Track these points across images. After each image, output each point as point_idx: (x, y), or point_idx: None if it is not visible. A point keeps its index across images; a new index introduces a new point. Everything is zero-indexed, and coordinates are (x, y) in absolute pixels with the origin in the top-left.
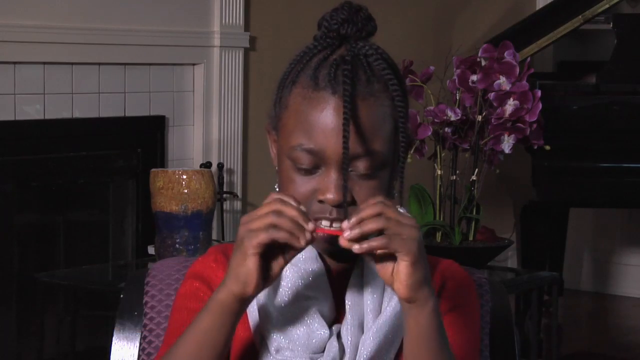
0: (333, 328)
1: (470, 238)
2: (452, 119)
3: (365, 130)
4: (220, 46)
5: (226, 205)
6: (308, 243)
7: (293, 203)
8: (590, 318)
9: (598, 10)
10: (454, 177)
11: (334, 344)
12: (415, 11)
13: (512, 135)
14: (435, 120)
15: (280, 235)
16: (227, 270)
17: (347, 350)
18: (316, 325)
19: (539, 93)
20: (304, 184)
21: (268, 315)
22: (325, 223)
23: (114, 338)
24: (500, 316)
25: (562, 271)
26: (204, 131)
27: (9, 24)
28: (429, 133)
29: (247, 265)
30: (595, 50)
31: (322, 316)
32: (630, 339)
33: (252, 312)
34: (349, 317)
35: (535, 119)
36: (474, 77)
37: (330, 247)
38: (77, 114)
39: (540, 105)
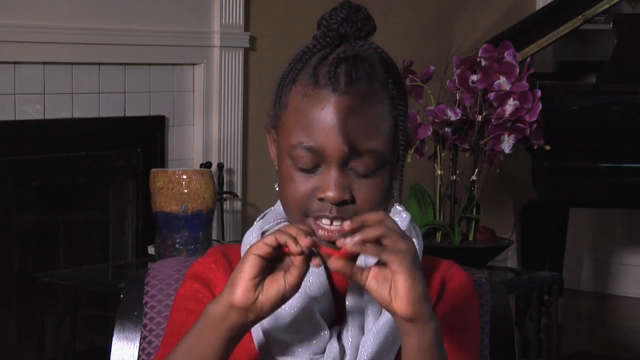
0: (333, 329)
1: (470, 238)
2: (452, 119)
3: (365, 128)
4: (220, 46)
5: (226, 205)
6: (303, 253)
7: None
8: (590, 318)
9: (598, 10)
10: (454, 177)
11: (335, 346)
12: (415, 11)
13: (512, 135)
14: (435, 120)
15: (282, 238)
16: (226, 271)
17: (348, 352)
18: (317, 326)
19: (539, 93)
20: (304, 183)
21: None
22: (325, 222)
23: (114, 338)
24: (500, 316)
25: (562, 271)
26: (204, 131)
27: (9, 24)
28: (429, 133)
29: (243, 265)
30: (595, 50)
31: (323, 317)
32: (630, 339)
33: None
34: (349, 319)
35: (535, 119)
36: (474, 77)
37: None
38: (77, 114)
39: (540, 105)
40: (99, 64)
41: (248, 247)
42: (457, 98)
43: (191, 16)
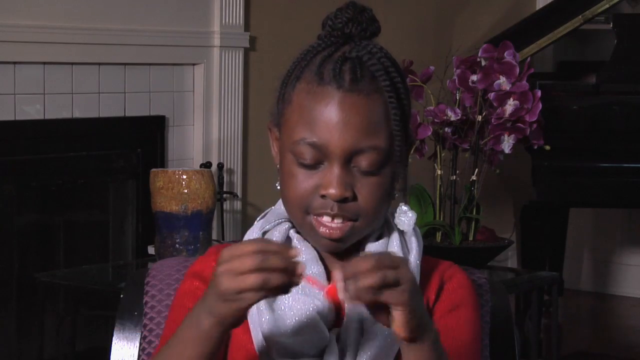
0: (332, 331)
1: (470, 238)
2: (452, 119)
3: (369, 126)
4: (220, 46)
5: (226, 205)
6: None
7: (277, 248)
8: (590, 318)
9: (598, 10)
10: (454, 177)
11: (334, 347)
12: (415, 11)
13: (512, 135)
14: (435, 120)
15: (272, 294)
16: None
17: (347, 354)
18: (317, 328)
19: (539, 93)
20: (305, 180)
21: (267, 318)
22: (326, 219)
23: (114, 338)
24: (500, 316)
25: (562, 271)
26: (204, 131)
27: (9, 24)
28: (429, 133)
29: (240, 314)
30: (595, 50)
31: (322, 319)
32: (630, 339)
33: (252, 315)
34: (348, 320)
35: (535, 119)
36: (474, 77)
37: (330, 245)
38: (77, 114)
39: (540, 105)
40: (99, 64)
41: None
42: (457, 98)
43: (191, 16)
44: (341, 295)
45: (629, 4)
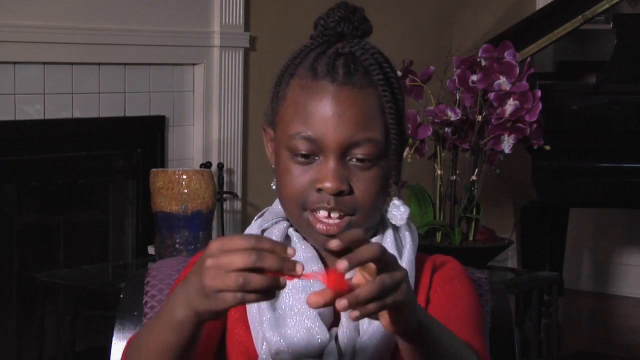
0: (331, 331)
1: (470, 238)
2: (452, 119)
3: (363, 119)
4: (220, 46)
5: (226, 205)
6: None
7: (270, 246)
8: (590, 318)
9: (598, 10)
10: (454, 177)
11: (333, 347)
12: (415, 11)
13: (512, 135)
14: (435, 120)
15: (252, 299)
16: None
17: (345, 353)
18: (316, 329)
19: (539, 93)
20: (301, 174)
21: (268, 318)
22: (322, 213)
23: (114, 338)
24: (500, 316)
25: (562, 271)
26: (204, 131)
27: (9, 24)
28: (429, 133)
29: (218, 311)
30: (595, 50)
31: (322, 318)
32: (630, 339)
33: (252, 315)
34: (345, 320)
35: (535, 119)
36: (474, 77)
37: (326, 241)
38: (77, 114)
39: (540, 105)
40: (99, 64)
41: None
42: (457, 98)
43: (191, 16)
44: (352, 316)
45: (629, 4)
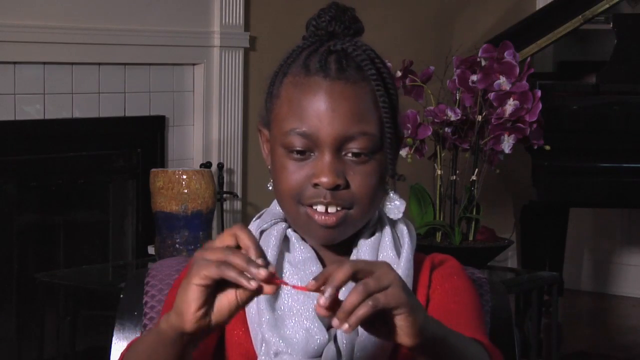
0: (330, 331)
1: (470, 238)
2: (452, 119)
3: (357, 113)
4: (220, 46)
5: (226, 205)
6: (259, 292)
7: (251, 238)
8: (590, 318)
9: (598, 10)
10: (454, 177)
11: (332, 348)
12: (415, 11)
13: (512, 135)
14: (435, 120)
15: (230, 275)
16: None
17: (343, 353)
18: (315, 330)
19: (539, 93)
20: (297, 170)
21: (267, 318)
22: (320, 207)
23: (114, 338)
24: (500, 316)
25: (562, 271)
26: (204, 131)
27: (9, 24)
28: (429, 133)
29: (187, 295)
30: (595, 50)
31: (320, 319)
32: (630, 339)
33: (251, 316)
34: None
35: (535, 119)
36: (474, 77)
37: (326, 234)
38: (77, 114)
39: (540, 105)
40: (99, 64)
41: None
42: (457, 98)
43: (191, 16)
44: (345, 328)
45: (629, 4)
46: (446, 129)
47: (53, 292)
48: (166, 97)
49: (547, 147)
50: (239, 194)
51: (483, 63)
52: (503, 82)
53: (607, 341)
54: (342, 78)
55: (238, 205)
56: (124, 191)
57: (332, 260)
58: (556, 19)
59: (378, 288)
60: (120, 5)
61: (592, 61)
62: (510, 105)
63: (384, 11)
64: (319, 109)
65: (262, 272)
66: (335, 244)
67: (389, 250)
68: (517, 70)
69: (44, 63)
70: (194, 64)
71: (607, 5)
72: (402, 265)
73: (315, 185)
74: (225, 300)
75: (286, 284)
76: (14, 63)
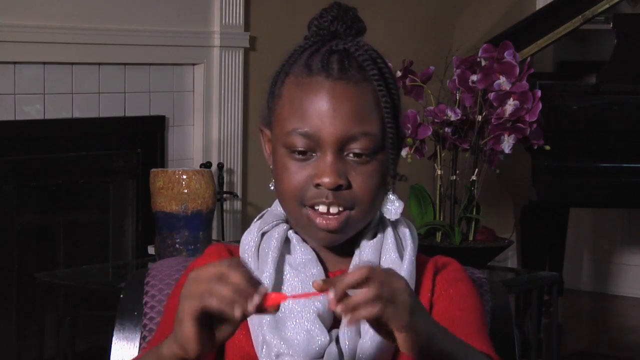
0: (332, 333)
1: (470, 238)
2: (452, 119)
3: (359, 113)
4: (220, 46)
5: (226, 205)
6: (244, 317)
7: (241, 268)
8: (590, 318)
9: (598, 10)
10: (454, 177)
11: (333, 349)
12: (415, 11)
13: (512, 135)
14: (435, 120)
15: (213, 306)
16: None
17: (346, 355)
18: (316, 331)
19: (539, 93)
20: (299, 171)
21: (267, 320)
22: (322, 208)
23: (114, 338)
24: (500, 316)
25: (562, 271)
26: (204, 131)
27: (9, 24)
28: (429, 133)
29: (184, 330)
30: (595, 50)
31: (322, 321)
32: (630, 339)
33: (252, 318)
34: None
35: (535, 119)
36: (474, 77)
37: (327, 236)
38: (77, 114)
39: (540, 105)
40: (99, 64)
41: (245, 247)
42: (457, 98)
43: (191, 16)
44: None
45: (629, 4)
46: (446, 129)
47: (53, 292)
48: (166, 97)
49: (547, 147)
50: (239, 194)
51: (483, 63)
52: (503, 82)
53: (607, 341)
54: (344, 78)
55: (238, 205)
56: (124, 191)
57: (333, 261)
58: (556, 19)
59: (389, 301)
60: (120, 5)
61: (592, 61)
62: (510, 105)
63: (384, 11)
64: (321, 109)
65: (256, 299)
66: (337, 246)
67: (391, 252)
68: (517, 70)
69: (44, 63)
70: (194, 64)
71: (607, 5)
72: (404, 268)
73: (317, 185)
74: (222, 328)
75: (285, 297)
76: (14, 63)
